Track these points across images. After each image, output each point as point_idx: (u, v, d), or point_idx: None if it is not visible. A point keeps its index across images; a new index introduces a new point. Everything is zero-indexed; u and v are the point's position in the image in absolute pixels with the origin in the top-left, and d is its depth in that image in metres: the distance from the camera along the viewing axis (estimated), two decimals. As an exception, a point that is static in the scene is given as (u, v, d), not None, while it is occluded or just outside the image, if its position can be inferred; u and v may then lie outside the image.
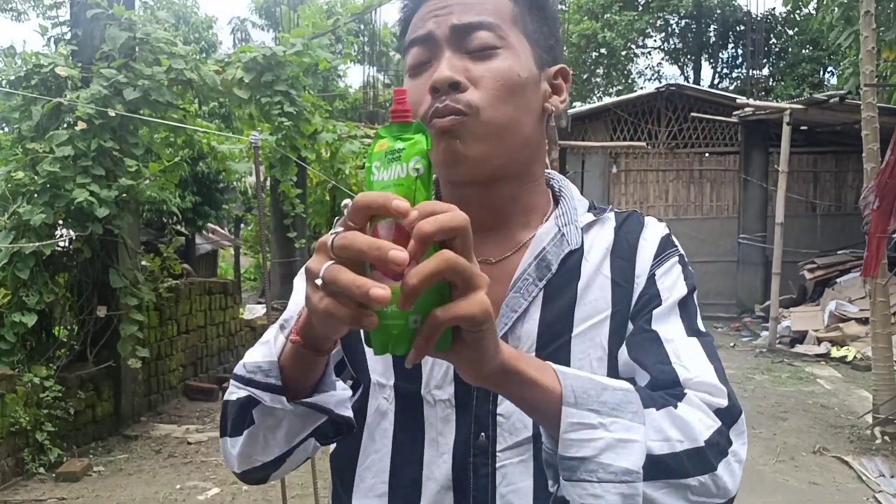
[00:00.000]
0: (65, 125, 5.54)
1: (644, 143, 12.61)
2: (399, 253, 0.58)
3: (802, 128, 10.98)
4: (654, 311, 0.93)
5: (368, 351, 0.98)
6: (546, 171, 1.06)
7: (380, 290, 0.58)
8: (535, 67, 0.94)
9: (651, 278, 0.96)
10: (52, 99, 5.45)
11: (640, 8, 22.28)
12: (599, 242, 0.98)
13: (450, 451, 0.93)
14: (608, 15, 21.61)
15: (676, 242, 1.01)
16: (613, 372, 0.92)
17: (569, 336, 0.92)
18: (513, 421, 0.91)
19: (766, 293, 11.05)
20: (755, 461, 5.19)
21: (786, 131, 9.28)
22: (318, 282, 0.62)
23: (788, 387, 7.46)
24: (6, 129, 8.05)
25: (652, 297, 0.95)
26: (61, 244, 5.67)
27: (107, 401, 6.02)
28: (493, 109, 0.89)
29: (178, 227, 10.69)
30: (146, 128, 6.09)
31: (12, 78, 5.61)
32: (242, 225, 15.48)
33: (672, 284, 0.96)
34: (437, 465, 0.93)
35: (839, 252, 11.32)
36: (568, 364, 0.90)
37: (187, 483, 4.99)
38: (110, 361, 5.92)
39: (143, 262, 6.52)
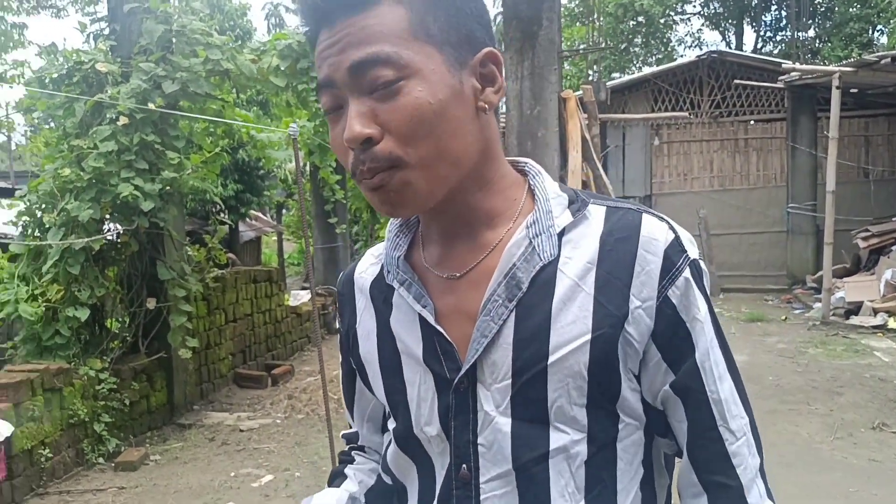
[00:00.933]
0: (107, 120, 5.60)
1: (686, 114, 12.34)
2: None
3: (852, 90, 10.60)
4: (697, 362, 0.87)
5: (382, 401, 1.02)
6: (518, 161, 0.98)
7: None
8: (452, 75, 0.84)
9: (665, 305, 0.86)
10: (92, 98, 5.50)
11: (679, -27, 21.74)
12: (580, 253, 0.88)
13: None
14: (646, -18, 21.14)
15: (684, 242, 0.88)
16: (593, 399, 0.86)
17: (545, 364, 0.85)
18: (494, 451, 0.88)
19: (818, 263, 10.76)
20: (812, 438, 5.07)
21: (835, 95, 8.97)
22: None
23: (844, 360, 7.27)
24: (51, 125, 8.21)
25: (682, 339, 0.87)
26: (109, 238, 5.76)
27: (160, 391, 6.14)
28: (415, 150, 0.82)
29: (222, 216, 10.82)
30: (186, 119, 6.14)
31: (55, 76, 5.68)
32: (284, 210, 15.61)
33: (696, 311, 0.87)
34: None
35: (894, 219, 10.96)
36: (545, 394, 0.86)
37: (241, 470, 5.07)
38: (162, 352, 6.03)
39: (190, 253, 6.60)
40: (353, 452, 1.15)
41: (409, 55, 0.81)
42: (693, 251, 0.88)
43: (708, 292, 0.90)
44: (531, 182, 0.94)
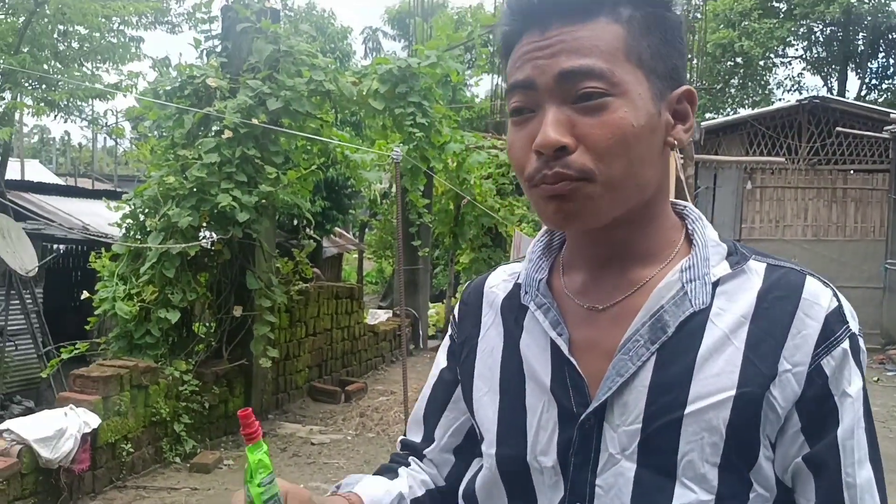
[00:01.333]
0: (212, 133, 5.84)
1: (783, 159, 11.97)
2: None
3: (965, 146, 10.08)
4: (838, 439, 0.81)
5: (482, 421, 0.97)
6: (677, 203, 0.94)
7: None
8: (653, 104, 0.83)
9: (817, 374, 0.80)
10: (200, 110, 5.76)
11: (782, 15, 21.24)
12: (736, 306, 0.84)
13: None
14: (746, 23, 20.72)
15: (846, 312, 0.83)
16: (728, 460, 0.81)
17: (680, 413, 0.81)
18: (612, 496, 0.84)
19: (916, 324, 10.21)
20: (904, 511, 4.78)
21: (947, 150, 8.55)
22: None
23: (941, 430, 6.84)
24: (156, 134, 8.62)
25: (828, 411, 0.81)
26: (204, 245, 5.97)
27: (238, 397, 6.29)
28: (607, 169, 0.81)
29: (309, 230, 11.08)
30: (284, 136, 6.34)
31: (168, 88, 5.97)
32: (367, 230, 15.88)
33: (848, 385, 0.81)
34: None
35: None
36: (676, 445, 0.81)
37: (310, 483, 5.12)
38: (243, 359, 6.19)
39: (277, 265, 6.78)
40: (409, 458, 1.10)
41: (621, 74, 0.81)
42: (854, 324, 0.84)
43: (864, 370, 0.84)
44: (690, 227, 0.91)
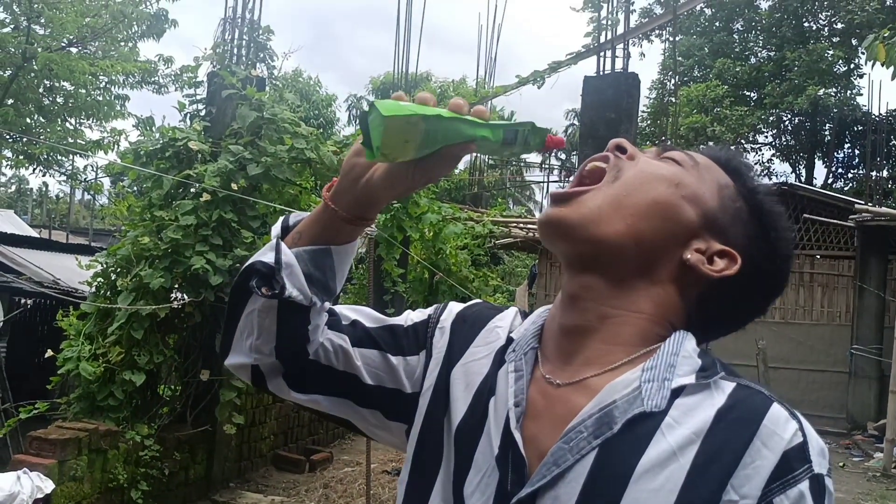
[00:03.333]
0: (190, 195, 5.86)
1: (752, 242, 12.20)
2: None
3: (927, 238, 10.39)
4: None
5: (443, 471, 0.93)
6: (678, 331, 0.88)
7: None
8: (702, 211, 0.89)
9: None
10: (180, 174, 5.79)
11: (753, 104, 22.02)
12: (691, 421, 0.79)
13: None
14: (718, 109, 21.43)
15: (812, 450, 0.77)
16: None
17: None
18: None
19: (881, 410, 10.30)
20: None
21: (909, 242, 8.81)
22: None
23: (906, 520, 6.85)
24: (135, 190, 8.61)
25: None
26: (175, 307, 5.91)
27: (200, 464, 6.13)
28: (622, 186, 0.88)
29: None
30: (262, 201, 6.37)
31: (150, 149, 6.01)
32: (341, 293, 15.84)
33: None
34: None
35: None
36: None
37: (269, 558, 4.98)
38: (207, 425, 6.06)
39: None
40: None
41: (704, 173, 0.94)
42: (820, 465, 0.77)
43: None
44: (672, 336, 0.87)
